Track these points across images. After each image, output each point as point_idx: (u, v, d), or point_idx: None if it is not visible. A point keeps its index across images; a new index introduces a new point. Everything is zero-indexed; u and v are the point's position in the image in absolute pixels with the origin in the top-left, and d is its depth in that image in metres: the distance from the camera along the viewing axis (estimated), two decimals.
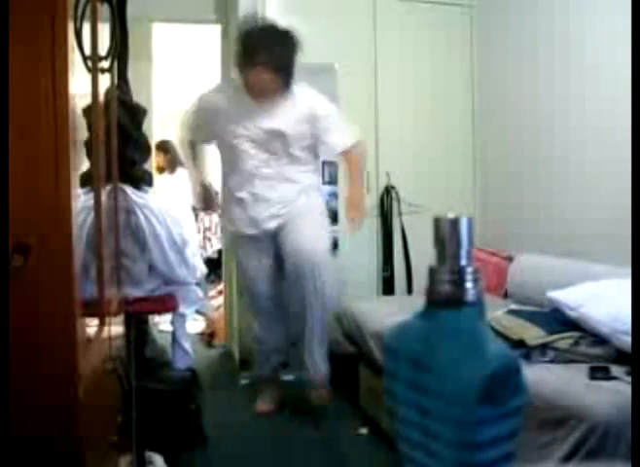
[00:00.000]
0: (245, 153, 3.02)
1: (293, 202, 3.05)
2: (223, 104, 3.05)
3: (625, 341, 2.13)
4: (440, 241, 0.49)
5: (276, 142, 3.01)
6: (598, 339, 2.27)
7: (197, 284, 3.58)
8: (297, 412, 3.19)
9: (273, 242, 3.09)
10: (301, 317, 3.06)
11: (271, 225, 3.05)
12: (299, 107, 3.02)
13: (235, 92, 3.06)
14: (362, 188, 3.32)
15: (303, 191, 3.09)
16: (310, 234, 3.01)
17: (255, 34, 2.96)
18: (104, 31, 1.58)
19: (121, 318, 2.00)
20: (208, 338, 4.68)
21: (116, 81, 1.99)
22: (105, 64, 1.58)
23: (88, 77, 1.45)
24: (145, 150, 2.82)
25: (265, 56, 2.87)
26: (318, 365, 3.11)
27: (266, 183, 3.03)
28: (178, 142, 3.38)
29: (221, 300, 4.77)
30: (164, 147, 5.53)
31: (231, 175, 3.10)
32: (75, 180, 1.17)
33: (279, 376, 3.35)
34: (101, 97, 1.61)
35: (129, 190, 2.59)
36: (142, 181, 2.74)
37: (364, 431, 2.93)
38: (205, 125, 3.11)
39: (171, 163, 5.47)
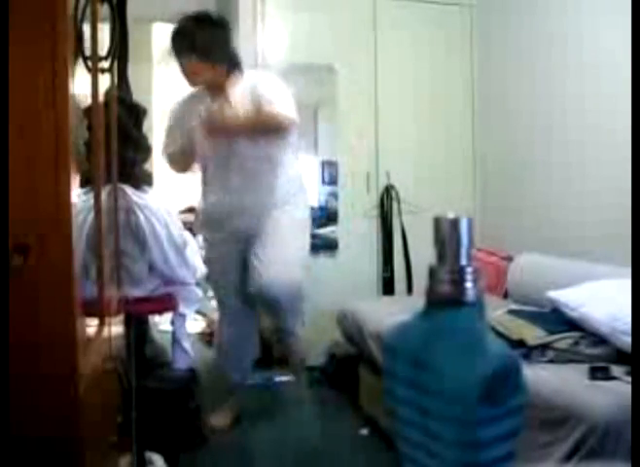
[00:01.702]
0: (213, 151, 2.85)
1: (270, 210, 2.85)
2: (186, 111, 2.89)
3: (625, 341, 2.13)
4: (440, 241, 0.49)
5: (230, 140, 2.81)
6: (598, 339, 2.27)
7: (197, 284, 3.58)
8: (294, 413, 3.19)
9: (245, 246, 2.88)
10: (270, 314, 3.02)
11: (243, 227, 2.86)
12: (245, 92, 2.84)
13: (193, 96, 2.94)
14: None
15: (284, 198, 2.89)
16: (282, 262, 2.78)
17: (177, 27, 2.83)
18: (104, 31, 1.58)
19: (121, 318, 2.00)
20: (208, 338, 4.68)
21: (116, 81, 1.99)
22: (105, 64, 1.58)
23: (88, 77, 1.45)
24: (145, 150, 2.82)
25: (181, 44, 2.76)
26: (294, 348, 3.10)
27: (239, 185, 2.84)
28: (169, 161, 3.01)
29: None
30: None
31: (206, 178, 2.94)
32: (75, 180, 1.17)
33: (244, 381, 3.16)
34: (101, 97, 1.61)
35: (129, 190, 2.59)
36: (142, 181, 2.74)
37: (364, 432, 2.93)
38: (177, 135, 2.90)
39: None
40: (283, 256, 2.79)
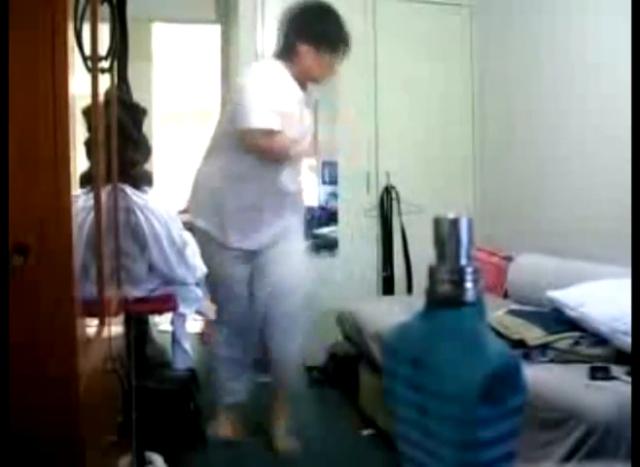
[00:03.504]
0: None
1: (285, 222, 2.80)
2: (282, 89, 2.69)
3: (625, 341, 2.13)
4: (440, 241, 0.49)
5: (303, 137, 2.80)
6: (598, 339, 2.27)
7: (197, 284, 3.57)
8: (294, 413, 3.18)
9: (254, 259, 2.83)
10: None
11: (263, 242, 2.79)
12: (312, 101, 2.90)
13: (286, 78, 2.74)
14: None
15: (294, 209, 2.86)
16: (291, 276, 2.76)
17: (342, 24, 2.78)
18: (104, 31, 1.58)
19: (121, 318, 2.00)
20: (208, 338, 4.68)
21: (116, 81, 1.99)
22: (105, 64, 1.58)
23: (88, 77, 1.45)
24: (145, 150, 2.81)
25: (347, 42, 2.78)
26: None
27: (275, 196, 2.76)
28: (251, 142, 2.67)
29: None
30: None
31: (241, 181, 2.73)
32: (75, 180, 1.17)
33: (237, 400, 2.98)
34: (101, 97, 1.61)
35: (129, 190, 2.59)
36: (142, 181, 2.74)
37: (366, 432, 2.93)
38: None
39: None
40: (293, 270, 2.77)
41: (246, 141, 2.64)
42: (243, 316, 2.87)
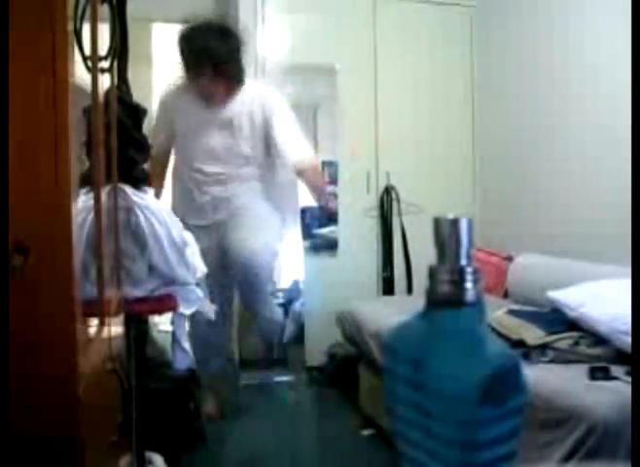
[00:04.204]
0: (198, 152, 2.98)
1: (241, 200, 3.02)
2: (178, 105, 2.99)
3: (625, 341, 2.13)
4: (440, 241, 0.49)
5: (227, 139, 2.96)
6: (598, 339, 2.27)
7: (197, 284, 3.57)
8: (294, 412, 3.19)
9: (218, 235, 3.03)
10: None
11: (218, 216, 3.02)
12: (250, 104, 2.95)
13: (183, 94, 3.01)
14: (319, 188, 3.25)
15: (253, 193, 3.06)
16: (253, 234, 2.96)
17: (195, 37, 2.83)
18: (104, 31, 1.58)
19: (121, 318, 2.00)
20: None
21: (116, 81, 1.99)
22: (105, 64, 1.58)
23: (88, 77, 1.44)
24: (145, 150, 2.81)
25: (207, 59, 2.79)
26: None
27: (218, 181, 3.01)
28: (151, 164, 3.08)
29: None
30: None
31: (183, 173, 3.06)
32: (75, 180, 1.17)
33: (218, 369, 3.24)
34: (101, 97, 1.61)
35: (129, 190, 2.59)
36: (142, 181, 2.74)
37: (367, 432, 2.93)
38: (166, 126, 3.05)
39: None
40: (254, 230, 2.96)
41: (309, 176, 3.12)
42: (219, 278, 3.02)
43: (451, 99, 4.13)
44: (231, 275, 3.01)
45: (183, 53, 2.86)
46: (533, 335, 2.31)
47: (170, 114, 3.01)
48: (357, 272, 3.92)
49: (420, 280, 3.84)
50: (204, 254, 2.98)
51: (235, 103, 2.94)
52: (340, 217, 3.97)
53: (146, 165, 2.86)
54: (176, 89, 3.07)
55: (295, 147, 2.98)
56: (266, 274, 3.00)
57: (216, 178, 3.02)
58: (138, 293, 2.65)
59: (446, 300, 0.48)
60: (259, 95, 2.97)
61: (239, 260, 2.91)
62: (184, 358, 3.61)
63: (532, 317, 2.49)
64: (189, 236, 2.82)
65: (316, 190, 3.18)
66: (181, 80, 3.04)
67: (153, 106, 5.40)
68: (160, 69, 5.94)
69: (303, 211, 3.60)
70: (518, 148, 3.79)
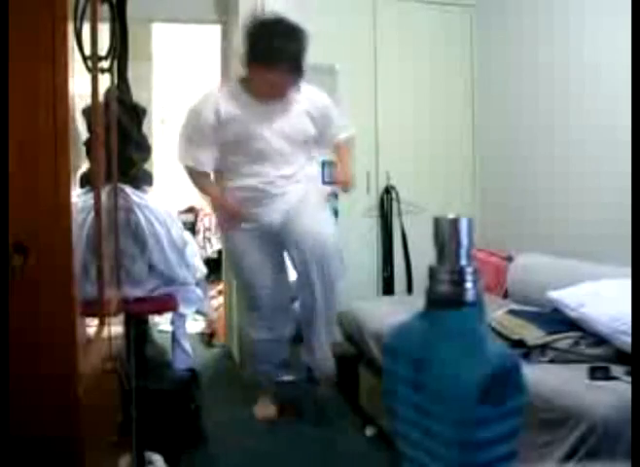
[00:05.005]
0: (256, 154, 2.95)
1: (297, 196, 3.02)
2: (227, 110, 2.91)
3: (625, 341, 2.13)
4: (440, 241, 0.49)
5: (285, 142, 2.97)
6: (598, 339, 2.27)
7: (197, 284, 3.57)
8: (297, 413, 3.19)
9: (277, 236, 3.02)
10: (308, 309, 3.03)
11: (278, 218, 3.00)
12: (303, 104, 2.98)
13: (237, 94, 2.97)
14: (350, 167, 3.29)
15: (305, 183, 3.07)
16: (315, 220, 2.99)
17: (272, 32, 2.83)
18: (104, 31, 1.58)
19: (121, 318, 2.00)
20: (208, 338, 4.69)
21: (116, 81, 1.99)
22: (105, 64, 1.58)
23: (88, 77, 1.44)
24: (145, 150, 2.81)
25: (287, 57, 2.80)
26: (325, 363, 3.13)
27: (275, 182, 2.99)
28: (188, 174, 3.08)
29: (221, 300, 4.77)
30: None
31: (237, 176, 3.00)
32: (75, 180, 1.17)
33: (279, 377, 3.28)
34: (101, 97, 1.61)
35: (129, 190, 2.59)
36: (142, 181, 2.74)
37: (369, 433, 2.92)
38: (207, 139, 2.95)
39: None
40: (315, 216, 3.02)
41: (345, 147, 3.23)
42: (274, 293, 3.07)
43: (451, 99, 4.13)
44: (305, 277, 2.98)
45: (258, 47, 2.82)
46: (533, 335, 2.31)
47: (223, 118, 2.89)
48: (357, 272, 3.92)
49: (420, 280, 3.84)
50: (263, 255, 3.02)
51: (292, 101, 2.96)
52: (340, 217, 3.96)
53: (146, 165, 2.87)
54: (226, 92, 2.99)
55: (338, 129, 3.13)
56: (338, 265, 3.01)
57: (279, 175, 2.99)
58: (138, 293, 2.65)
59: (446, 300, 0.48)
60: (309, 93, 3.01)
61: (315, 253, 2.91)
62: (184, 358, 3.62)
63: (532, 317, 2.48)
64: (189, 237, 2.82)
65: (349, 161, 3.27)
66: (227, 81, 3.06)
67: (153, 106, 5.42)
68: (161, 69, 5.95)
69: None
70: (518, 148, 3.79)
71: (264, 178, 2.97)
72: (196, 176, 3.05)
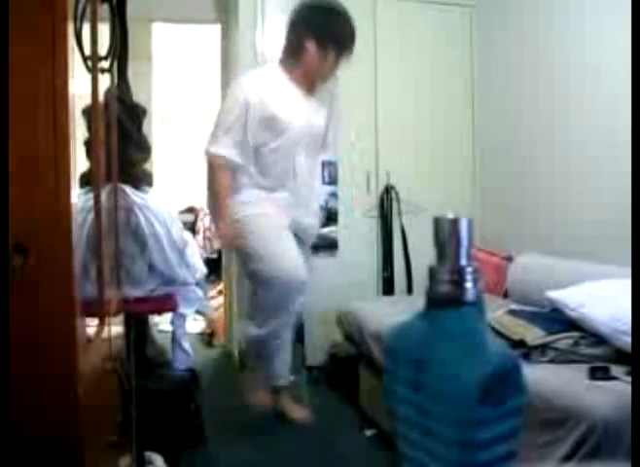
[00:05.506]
0: (288, 150, 2.89)
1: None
2: (273, 95, 2.81)
3: (625, 341, 2.13)
4: (440, 241, 0.49)
5: (312, 137, 2.94)
6: (598, 339, 2.27)
7: (197, 284, 3.58)
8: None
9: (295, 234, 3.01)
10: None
11: (305, 223, 3.06)
12: (327, 93, 3.01)
13: (278, 78, 2.89)
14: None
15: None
16: (307, 265, 2.99)
17: (346, 17, 2.84)
18: (104, 31, 1.58)
19: (121, 318, 2.00)
20: (208, 338, 4.69)
21: (116, 81, 1.99)
22: (105, 64, 1.58)
23: (88, 77, 1.44)
24: (145, 150, 2.82)
25: (352, 42, 2.86)
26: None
27: (303, 181, 2.97)
28: (212, 167, 2.92)
29: (221, 300, 4.77)
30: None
31: (265, 175, 2.91)
32: (75, 180, 1.17)
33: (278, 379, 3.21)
34: (101, 97, 1.61)
35: (129, 190, 2.59)
36: (142, 181, 2.74)
37: (369, 433, 2.92)
38: (242, 127, 2.80)
39: None
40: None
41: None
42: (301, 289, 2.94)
43: (451, 99, 4.13)
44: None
45: (332, 31, 2.83)
46: (533, 335, 2.31)
47: (265, 103, 2.79)
48: (357, 272, 3.92)
49: (420, 280, 3.84)
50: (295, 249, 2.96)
51: (320, 91, 2.97)
52: (340, 217, 3.96)
53: (146, 165, 2.87)
54: (266, 75, 2.90)
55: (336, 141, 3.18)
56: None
57: (306, 170, 2.97)
58: (138, 293, 2.65)
59: (446, 300, 0.48)
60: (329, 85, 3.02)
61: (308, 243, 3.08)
62: (184, 358, 3.62)
63: (532, 317, 2.48)
64: (189, 237, 2.82)
65: None
66: (271, 64, 3.00)
67: (153, 106, 5.42)
68: (160, 69, 5.94)
69: None
70: (518, 148, 3.79)
71: (299, 170, 2.94)
72: (220, 170, 2.87)
